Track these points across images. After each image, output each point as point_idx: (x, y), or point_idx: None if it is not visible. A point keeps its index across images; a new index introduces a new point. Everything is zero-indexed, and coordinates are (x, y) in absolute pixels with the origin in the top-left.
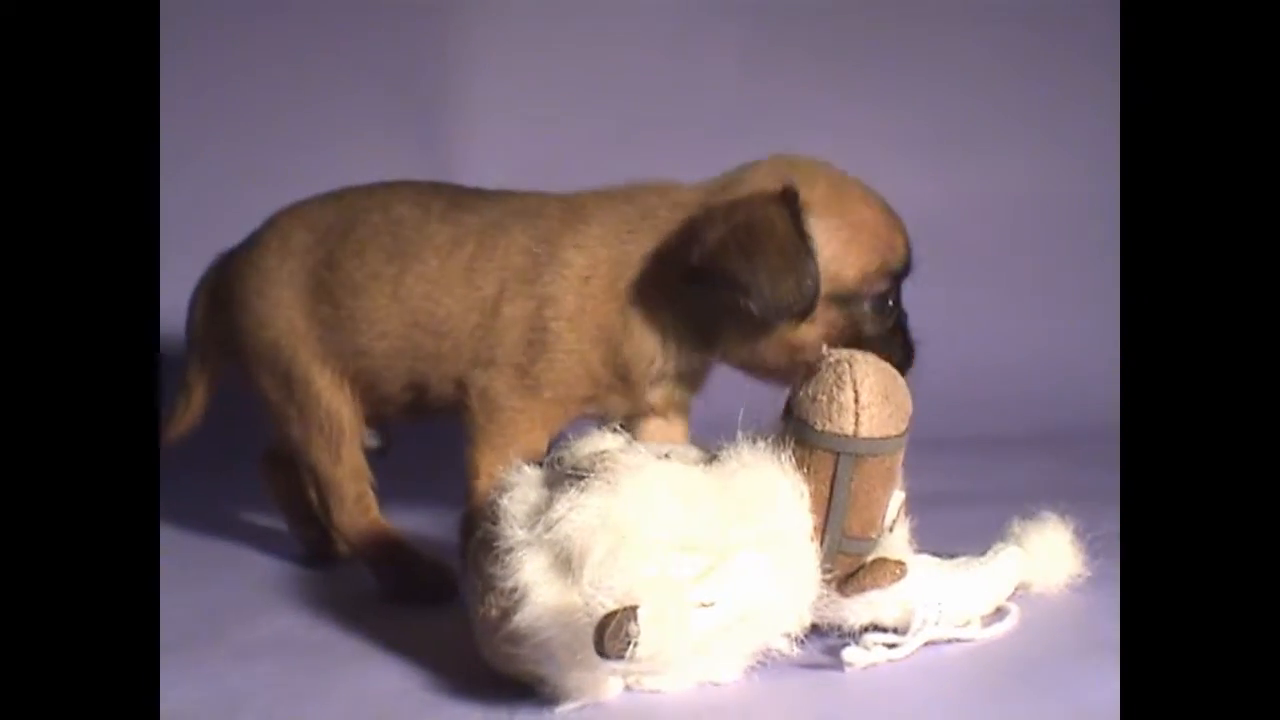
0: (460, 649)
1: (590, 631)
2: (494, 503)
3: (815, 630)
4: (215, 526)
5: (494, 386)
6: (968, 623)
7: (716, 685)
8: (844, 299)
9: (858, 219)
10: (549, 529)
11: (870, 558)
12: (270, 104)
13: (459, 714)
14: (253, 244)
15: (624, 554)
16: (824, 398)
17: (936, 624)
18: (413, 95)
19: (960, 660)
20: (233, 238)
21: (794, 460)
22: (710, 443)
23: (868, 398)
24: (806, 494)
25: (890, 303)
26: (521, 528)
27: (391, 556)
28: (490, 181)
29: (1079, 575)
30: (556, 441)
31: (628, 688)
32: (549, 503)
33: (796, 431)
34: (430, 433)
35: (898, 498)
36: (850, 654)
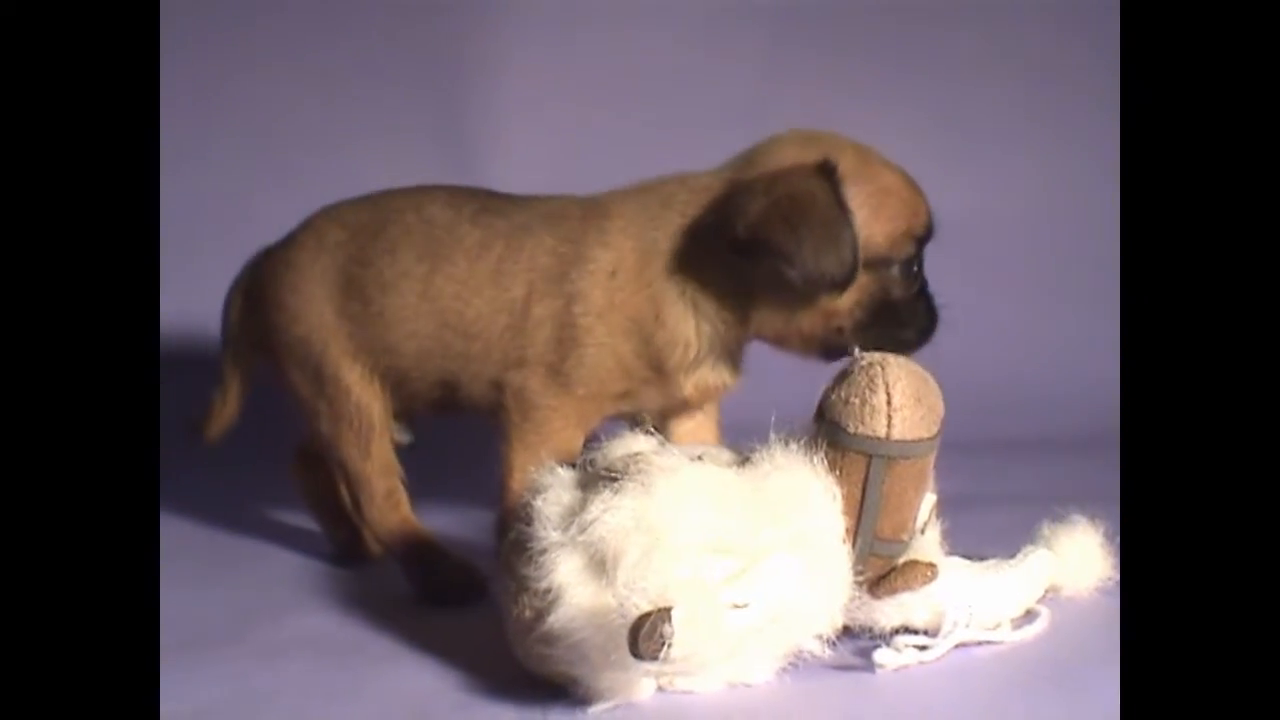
0: (493, 649)
1: (624, 633)
2: (528, 504)
3: (846, 632)
4: (244, 525)
5: (528, 386)
6: (998, 625)
7: (748, 686)
8: (874, 264)
9: (885, 185)
10: (583, 531)
11: (901, 560)
12: (293, 107)
13: (492, 714)
14: (288, 242)
15: (658, 556)
16: (856, 400)
17: (967, 626)
18: (435, 97)
19: (990, 663)
20: (257, 240)
21: (826, 463)
22: (743, 445)
23: (900, 400)
24: (839, 496)
25: (915, 268)
26: (555, 529)
27: (420, 554)
28: (513, 184)
29: (1109, 578)
30: (589, 444)
31: (660, 689)
32: (583, 504)
33: (829, 434)
34: (463, 431)
35: (929, 500)
36: (881, 656)
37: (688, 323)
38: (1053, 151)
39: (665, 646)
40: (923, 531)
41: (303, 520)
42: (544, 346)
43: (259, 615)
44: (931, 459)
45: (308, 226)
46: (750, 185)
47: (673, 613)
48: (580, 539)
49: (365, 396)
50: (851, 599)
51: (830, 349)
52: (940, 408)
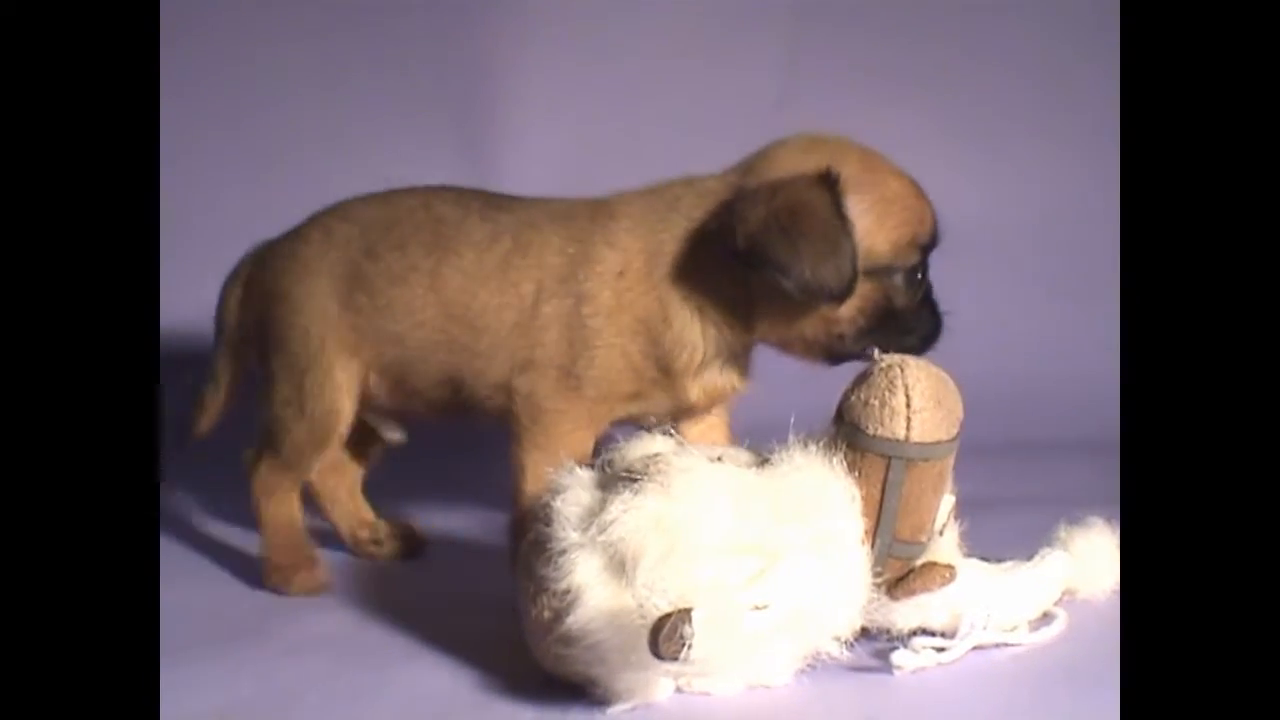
0: (510, 650)
1: (643, 633)
2: (546, 505)
3: (864, 633)
4: None
5: (537, 389)
6: (1015, 628)
7: (767, 688)
8: (877, 272)
9: (889, 193)
10: (602, 531)
11: (920, 561)
12: (306, 107)
13: (511, 714)
14: (294, 236)
15: (678, 556)
16: (876, 402)
17: (984, 628)
18: (449, 98)
19: (1008, 665)
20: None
21: (845, 464)
22: (762, 447)
23: (920, 402)
24: (858, 498)
25: (919, 275)
26: (574, 530)
27: (288, 550)
28: (528, 184)
29: None
30: (604, 446)
31: (678, 689)
32: (602, 505)
33: (848, 436)
34: (472, 436)
35: (948, 501)
36: (899, 657)
37: (694, 326)
38: (1060, 153)
39: (686, 647)
40: (941, 533)
41: (318, 521)
42: (553, 347)
43: (279, 614)
44: (950, 461)
45: (315, 222)
46: (752, 193)
47: (693, 613)
48: (600, 539)
49: (342, 403)
50: (869, 600)
51: (834, 355)
52: (959, 410)
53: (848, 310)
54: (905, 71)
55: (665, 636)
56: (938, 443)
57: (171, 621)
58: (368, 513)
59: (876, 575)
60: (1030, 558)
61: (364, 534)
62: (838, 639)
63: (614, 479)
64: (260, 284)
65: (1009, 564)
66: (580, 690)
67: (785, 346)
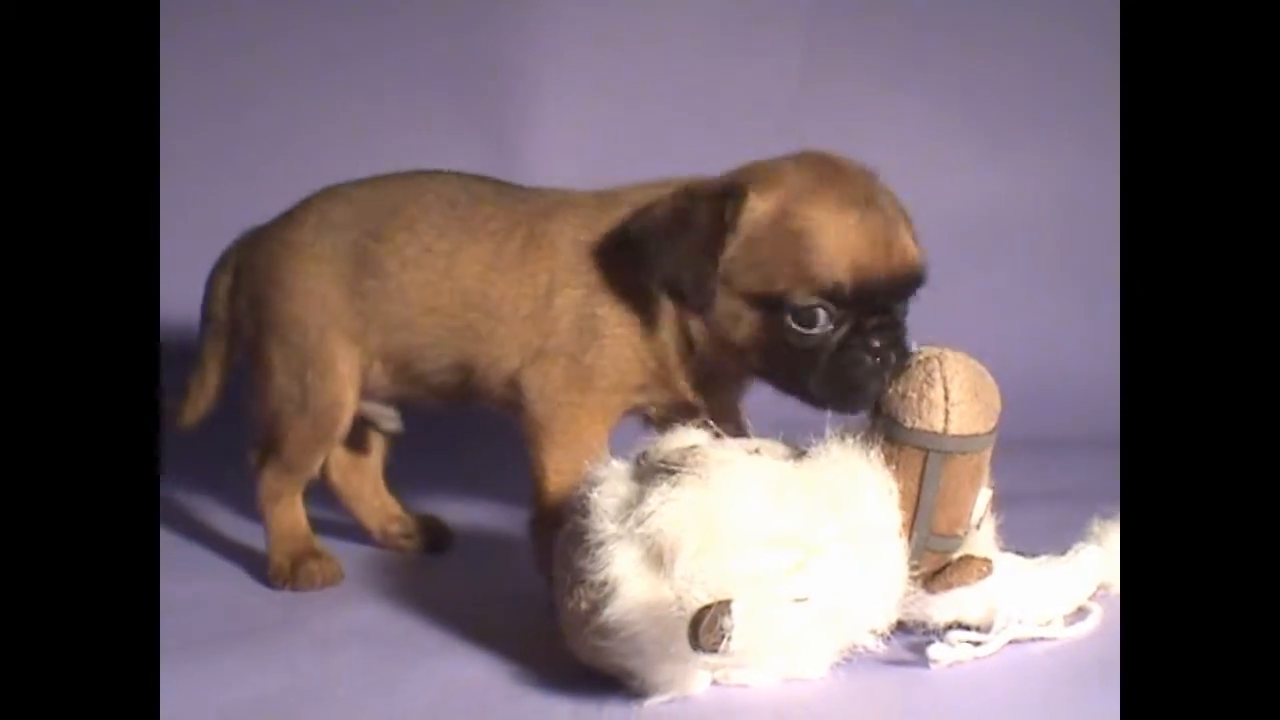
0: (543, 642)
1: (682, 625)
2: (583, 496)
3: (900, 627)
4: None
5: (550, 382)
6: (1049, 622)
7: (803, 681)
8: (767, 302)
9: (801, 227)
10: (640, 523)
11: (956, 555)
12: (330, 97)
13: (547, 706)
14: (286, 221)
15: (716, 548)
16: (914, 394)
17: (1020, 622)
18: (472, 89)
19: (1043, 659)
20: None
21: (882, 457)
22: (798, 439)
23: (958, 395)
24: (895, 490)
25: (826, 323)
26: (612, 521)
27: (291, 553)
28: (548, 177)
29: None
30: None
31: (715, 682)
32: (639, 497)
33: (885, 428)
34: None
35: (985, 495)
36: (936, 651)
37: (669, 324)
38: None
39: (725, 639)
40: (978, 527)
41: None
42: (565, 337)
43: (309, 607)
44: (988, 454)
45: (308, 206)
46: (672, 194)
47: (732, 605)
48: (637, 531)
49: (345, 396)
50: (906, 594)
51: (775, 382)
52: (997, 403)
53: (741, 334)
54: (926, 62)
55: (705, 628)
56: (975, 435)
57: (193, 616)
58: (395, 507)
59: (913, 568)
60: (1064, 552)
61: (395, 528)
62: (874, 632)
63: (651, 471)
64: (251, 271)
65: (1043, 558)
66: (616, 682)
67: (715, 360)
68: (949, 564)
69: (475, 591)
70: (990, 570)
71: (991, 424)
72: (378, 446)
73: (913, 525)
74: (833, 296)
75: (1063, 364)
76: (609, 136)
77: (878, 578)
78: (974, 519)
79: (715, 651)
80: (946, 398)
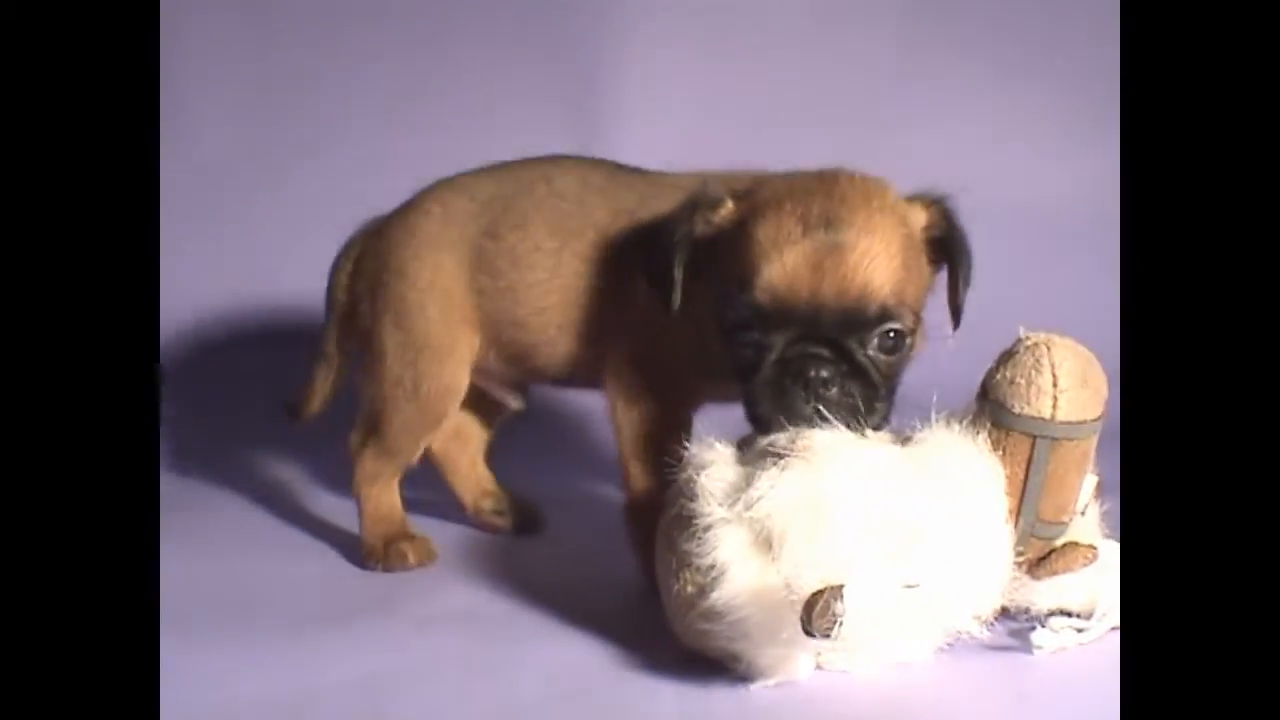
0: (645, 626)
1: (790, 610)
2: (690, 480)
3: (1004, 612)
4: None
5: (631, 370)
6: None
7: (906, 666)
8: (717, 311)
9: (747, 241)
10: (749, 507)
11: (1061, 541)
12: (422, 84)
13: (652, 689)
14: (409, 210)
15: (826, 533)
16: (1022, 380)
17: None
18: (564, 75)
19: None
20: (379, 205)
21: (989, 442)
22: (903, 424)
23: (1066, 381)
24: (1003, 476)
25: (755, 339)
26: (720, 505)
27: (384, 534)
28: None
29: None
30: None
31: (818, 667)
32: (748, 480)
33: (993, 414)
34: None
35: (1090, 481)
36: (1039, 637)
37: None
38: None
39: (838, 624)
40: (1083, 513)
41: (444, 495)
42: (644, 323)
43: (407, 589)
44: (1094, 441)
45: (430, 195)
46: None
47: (844, 590)
48: (746, 515)
49: (458, 382)
50: (1010, 579)
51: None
52: (1105, 390)
53: (713, 338)
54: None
55: (818, 613)
56: (1083, 422)
57: (294, 597)
58: (491, 482)
59: (1018, 554)
60: None
61: (487, 504)
62: (978, 618)
63: (758, 455)
64: (373, 260)
65: None
66: (720, 666)
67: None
68: (1054, 550)
69: (569, 575)
70: (1095, 557)
71: (1099, 411)
72: (484, 421)
73: (1019, 511)
74: (755, 313)
75: None
76: (700, 123)
77: (983, 563)
78: (1079, 505)
79: (827, 636)
80: (1055, 384)
